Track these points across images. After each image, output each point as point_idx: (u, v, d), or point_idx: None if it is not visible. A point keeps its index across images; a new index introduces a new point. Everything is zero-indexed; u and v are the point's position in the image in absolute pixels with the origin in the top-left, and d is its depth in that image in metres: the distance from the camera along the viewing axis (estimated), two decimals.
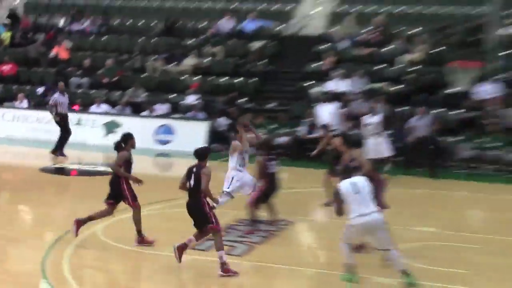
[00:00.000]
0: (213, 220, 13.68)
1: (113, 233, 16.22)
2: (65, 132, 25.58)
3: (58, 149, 25.42)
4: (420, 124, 23.53)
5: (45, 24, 34.39)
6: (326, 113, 24.99)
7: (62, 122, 25.55)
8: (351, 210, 12.63)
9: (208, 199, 14.00)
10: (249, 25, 31.68)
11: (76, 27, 33.63)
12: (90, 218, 15.63)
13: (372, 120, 21.80)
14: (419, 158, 24.15)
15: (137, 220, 15.39)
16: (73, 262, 14.27)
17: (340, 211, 12.87)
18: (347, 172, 13.11)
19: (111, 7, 34.82)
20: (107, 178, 22.64)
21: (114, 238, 15.86)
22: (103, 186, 21.68)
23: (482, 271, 14.37)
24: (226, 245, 15.26)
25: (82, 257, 14.84)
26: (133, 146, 16.25)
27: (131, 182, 15.63)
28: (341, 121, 25.04)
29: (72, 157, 25.24)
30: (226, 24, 31.95)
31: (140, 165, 24.29)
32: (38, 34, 33.50)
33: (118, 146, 16.01)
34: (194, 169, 14.14)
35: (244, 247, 15.41)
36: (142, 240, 15.36)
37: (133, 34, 33.07)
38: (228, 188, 16.93)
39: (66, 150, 26.07)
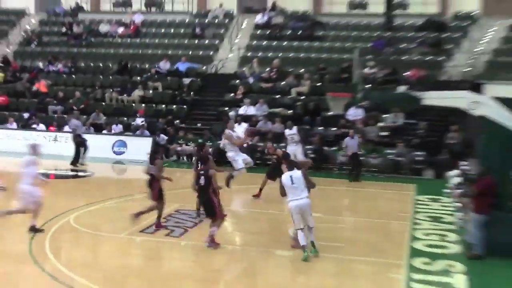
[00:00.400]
0: (218, 211, 13.96)
1: (81, 221, 16.20)
2: (78, 148, 25.22)
3: (75, 161, 25.04)
4: (351, 143, 23.38)
5: (29, 67, 33.88)
6: (239, 130, 25.16)
7: (78, 140, 25.09)
8: (288, 195, 13.26)
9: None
10: (182, 66, 31.66)
11: (52, 68, 33.22)
12: (143, 212, 15.56)
13: (290, 132, 21.89)
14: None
15: (159, 210, 15.50)
16: (52, 243, 14.24)
17: (282, 194, 13.61)
18: (291, 167, 13.68)
19: (78, 53, 34.46)
20: (78, 181, 22.59)
21: (82, 225, 15.85)
22: (73, 186, 21.64)
23: (353, 244, 14.70)
24: (168, 229, 15.43)
25: (58, 239, 14.76)
26: (162, 157, 16.28)
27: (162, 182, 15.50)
28: (246, 136, 25.13)
29: (50, 165, 24.90)
30: (164, 65, 31.87)
31: (102, 170, 24.31)
32: (24, 73, 32.98)
33: (153, 157, 16.00)
34: (202, 172, 14.21)
35: (181, 230, 15.50)
36: (159, 225, 15.42)
37: (95, 73, 32.78)
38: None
39: (43, 161, 25.73)
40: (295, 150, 21.04)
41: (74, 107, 29.39)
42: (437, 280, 12.37)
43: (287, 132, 22.15)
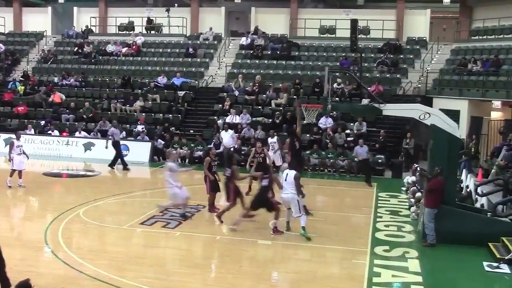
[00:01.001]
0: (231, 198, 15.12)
1: (89, 215, 16.06)
2: (118, 153, 24.74)
3: (113, 164, 24.47)
4: (360, 151, 22.87)
5: (45, 81, 33.56)
6: (226, 136, 25.10)
7: (116, 146, 24.77)
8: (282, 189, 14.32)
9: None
10: (177, 81, 31.50)
11: (65, 82, 32.95)
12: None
13: (272, 140, 21.69)
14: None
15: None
16: (64, 233, 14.13)
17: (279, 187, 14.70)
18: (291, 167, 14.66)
19: (88, 69, 34.21)
20: (87, 179, 22.43)
21: (90, 218, 15.72)
22: (83, 185, 21.49)
23: (324, 234, 14.65)
24: (165, 221, 15.32)
25: (70, 230, 14.64)
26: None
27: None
28: (235, 141, 25.11)
29: (63, 166, 24.73)
30: (162, 80, 31.71)
31: (107, 171, 24.12)
32: (41, 87, 32.67)
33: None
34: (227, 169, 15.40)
35: (175, 222, 15.38)
36: (247, 215, 15.24)
37: (102, 87, 32.52)
38: None
39: (57, 162, 25.57)
40: (274, 157, 20.78)
41: (84, 116, 29.15)
42: (395, 265, 12.42)
43: (269, 140, 21.83)
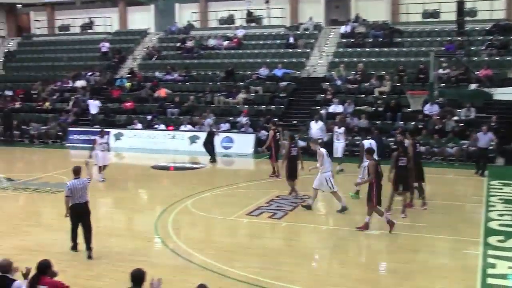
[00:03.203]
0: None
1: (197, 206, 16.39)
2: (211, 144, 25.01)
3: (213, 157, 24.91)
4: (483, 138, 21.65)
5: (151, 77, 34.54)
6: (315, 127, 24.74)
7: (210, 137, 25.04)
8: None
9: None
10: (278, 72, 31.56)
11: (169, 77, 33.77)
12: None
13: (339, 130, 21.46)
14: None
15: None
16: (173, 224, 14.49)
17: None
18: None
19: (191, 64, 34.86)
20: (193, 172, 22.89)
21: (198, 209, 16.03)
22: (190, 177, 21.98)
23: (434, 224, 14.23)
24: (271, 212, 15.41)
25: (178, 221, 14.99)
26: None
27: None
28: (324, 133, 24.52)
29: (169, 159, 25.33)
30: (263, 71, 31.89)
31: (213, 163, 24.51)
32: (147, 83, 33.66)
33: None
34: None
35: (282, 213, 15.44)
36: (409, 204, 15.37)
37: (205, 81, 33.10)
38: None
39: (164, 156, 26.22)
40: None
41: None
42: (511, 256, 11.91)
43: (336, 130, 21.78)
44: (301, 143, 24.14)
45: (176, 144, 27.86)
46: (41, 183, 19.76)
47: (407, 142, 16.27)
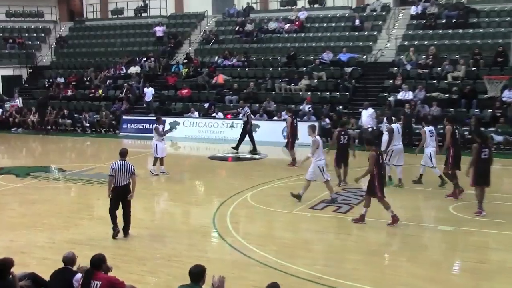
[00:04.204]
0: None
1: (256, 199, 16.47)
2: (244, 134, 24.97)
3: (253, 146, 24.85)
4: None
5: (208, 62, 34.79)
6: (365, 115, 24.53)
7: (245, 126, 25.02)
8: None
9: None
10: (343, 57, 31.33)
11: (227, 63, 33.94)
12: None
13: (383, 126, 21.14)
14: None
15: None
16: (232, 218, 14.59)
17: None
18: None
19: (250, 48, 34.96)
20: (253, 162, 22.95)
21: (257, 202, 16.10)
22: (249, 168, 22.04)
23: None
24: (336, 206, 15.35)
25: (237, 214, 15.10)
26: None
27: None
28: (374, 121, 24.24)
29: (228, 149, 25.40)
30: (327, 56, 31.70)
31: (274, 154, 24.55)
32: (204, 68, 33.94)
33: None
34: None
35: (347, 207, 15.36)
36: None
37: (265, 66, 33.13)
38: None
39: (222, 146, 26.34)
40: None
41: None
42: None
43: (383, 126, 21.34)
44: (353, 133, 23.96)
45: (235, 133, 27.93)
46: (94, 174, 20.19)
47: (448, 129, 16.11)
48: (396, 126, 17.95)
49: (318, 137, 16.02)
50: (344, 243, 12.92)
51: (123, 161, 12.79)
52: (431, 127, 17.40)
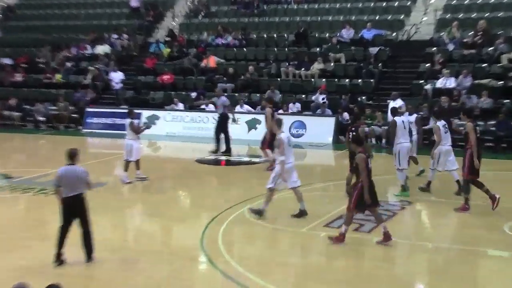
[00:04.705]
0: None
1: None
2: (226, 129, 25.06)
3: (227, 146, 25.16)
4: None
5: (196, 40, 34.82)
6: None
7: (223, 121, 25.02)
8: None
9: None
10: (367, 34, 31.36)
11: (221, 41, 33.93)
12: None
13: (410, 118, 21.08)
14: None
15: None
16: (225, 237, 14.44)
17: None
18: None
19: (250, 23, 34.98)
20: (251, 167, 22.85)
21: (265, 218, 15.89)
22: (247, 175, 21.92)
23: None
24: (357, 223, 15.19)
25: (232, 233, 15.01)
26: None
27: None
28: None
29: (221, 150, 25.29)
30: (346, 33, 31.73)
31: None
32: (191, 48, 33.95)
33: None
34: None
35: (371, 224, 15.20)
36: None
37: (268, 45, 33.17)
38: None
39: (213, 146, 26.19)
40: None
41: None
42: None
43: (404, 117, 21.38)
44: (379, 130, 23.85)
45: (230, 130, 27.88)
46: (49, 182, 20.00)
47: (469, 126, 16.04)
48: (401, 119, 17.99)
49: (283, 135, 15.71)
50: (369, 271, 12.74)
51: (72, 166, 12.46)
52: (443, 122, 17.40)
